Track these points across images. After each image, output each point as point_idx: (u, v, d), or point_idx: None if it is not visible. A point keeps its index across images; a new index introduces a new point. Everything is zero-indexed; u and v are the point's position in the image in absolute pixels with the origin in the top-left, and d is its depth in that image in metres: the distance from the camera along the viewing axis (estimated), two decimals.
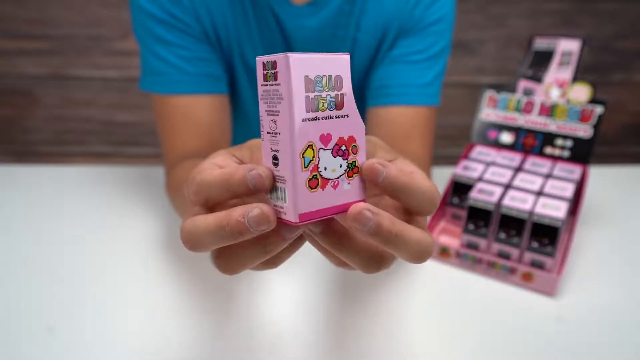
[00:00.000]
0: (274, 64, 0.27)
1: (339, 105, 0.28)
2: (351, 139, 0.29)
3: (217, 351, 0.51)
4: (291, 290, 0.58)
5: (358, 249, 0.29)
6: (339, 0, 0.66)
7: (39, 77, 1.62)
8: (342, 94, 0.28)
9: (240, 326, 0.54)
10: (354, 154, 0.29)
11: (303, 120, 0.27)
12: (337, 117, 0.28)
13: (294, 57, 0.26)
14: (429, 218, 0.67)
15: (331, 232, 0.28)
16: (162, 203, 0.74)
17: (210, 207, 0.30)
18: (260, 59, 0.27)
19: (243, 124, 0.79)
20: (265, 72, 0.27)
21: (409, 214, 0.31)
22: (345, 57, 0.28)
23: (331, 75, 0.28)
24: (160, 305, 0.56)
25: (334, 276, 0.61)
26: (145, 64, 0.68)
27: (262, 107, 0.28)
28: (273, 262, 0.31)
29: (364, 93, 0.74)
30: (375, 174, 0.28)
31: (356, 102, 0.86)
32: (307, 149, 0.27)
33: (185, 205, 0.50)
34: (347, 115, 0.29)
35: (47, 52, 1.58)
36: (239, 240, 0.27)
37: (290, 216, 0.27)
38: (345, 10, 0.66)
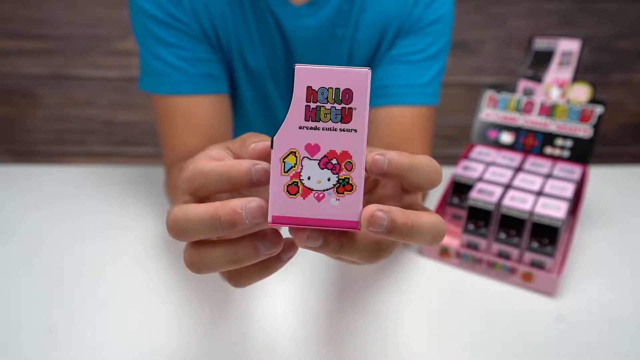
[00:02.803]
0: None
1: (346, 119, 0.28)
2: (345, 154, 0.28)
3: (216, 351, 0.51)
4: (290, 289, 0.58)
5: (357, 252, 0.29)
6: (337, 0, 0.65)
7: (39, 77, 1.62)
8: (350, 108, 0.28)
9: (239, 326, 0.54)
10: (348, 171, 0.28)
11: (300, 128, 0.27)
12: (342, 130, 0.28)
13: (299, 67, 0.27)
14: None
15: (328, 245, 0.29)
16: (162, 203, 0.74)
17: (201, 198, 0.30)
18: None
19: (243, 124, 0.79)
20: None
21: (407, 202, 0.32)
22: (363, 71, 0.27)
23: (339, 88, 0.28)
24: (159, 305, 0.56)
25: (332, 276, 0.61)
26: (144, 64, 0.68)
27: None
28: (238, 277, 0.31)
29: None
30: (378, 164, 0.28)
31: None
32: (289, 154, 0.28)
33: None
34: (355, 130, 0.28)
35: (47, 52, 1.58)
36: (227, 233, 0.27)
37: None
38: (344, 10, 0.66)
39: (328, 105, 0.28)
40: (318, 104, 0.27)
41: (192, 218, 0.27)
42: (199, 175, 0.28)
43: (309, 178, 0.28)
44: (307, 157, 0.28)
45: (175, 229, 0.28)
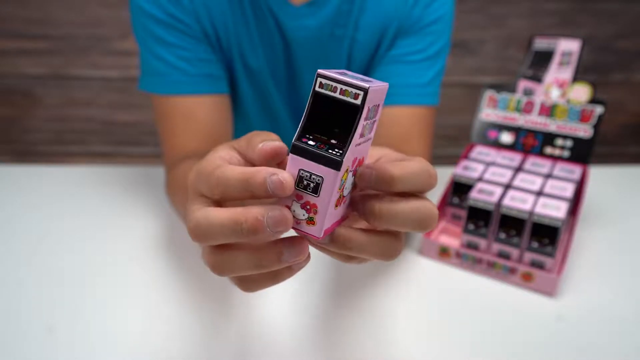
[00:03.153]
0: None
1: (371, 130, 0.29)
2: (362, 160, 0.30)
3: (216, 350, 0.51)
4: (290, 289, 0.58)
5: (364, 245, 0.30)
6: (337, 0, 0.65)
7: (39, 77, 1.62)
8: (375, 120, 0.29)
9: (238, 325, 0.54)
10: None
11: (356, 145, 0.28)
12: (366, 140, 0.29)
13: (372, 88, 0.27)
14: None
15: (336, 240, 0.29)
16: (162, 203, 0.74)
17: (218, 201, 0.30)
18: None
19: (243, 124, 0.79)
20: None
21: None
22: (386, 87, 0.29)
23: (376, 104, 0.28)
24: (159, 305, 0.56)
25: (332, 276, 0.61)
26: (144, 64, 0.68)
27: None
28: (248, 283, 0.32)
29: None
30: (365, 179, 0.29)
31: None
32: (345, 172, 0.28)
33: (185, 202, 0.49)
34: (371, 138, 0.30)
35: (47, 52, 1.58)
36: (249, 240, 0.27)
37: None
38: (344, 10, 0.66)
39: (369, 121, 0.28)
40: (367, 121, 0.28)
41: (215, 223, 0.27)
42: (222, 182, 0.28)
43: (346, 188, 0.29)
44: (350, 170, 0.28)
45: (197, 233, 0.28)
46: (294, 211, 0.28)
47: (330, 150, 0.27)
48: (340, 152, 0.26)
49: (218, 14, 0.66)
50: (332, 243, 0.29)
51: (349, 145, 0.26)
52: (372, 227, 0.31)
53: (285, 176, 0.26)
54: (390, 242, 0.30)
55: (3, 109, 1.67)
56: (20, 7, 1.52)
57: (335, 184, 0.27)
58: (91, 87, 1.64)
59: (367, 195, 0.29)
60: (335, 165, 0.26)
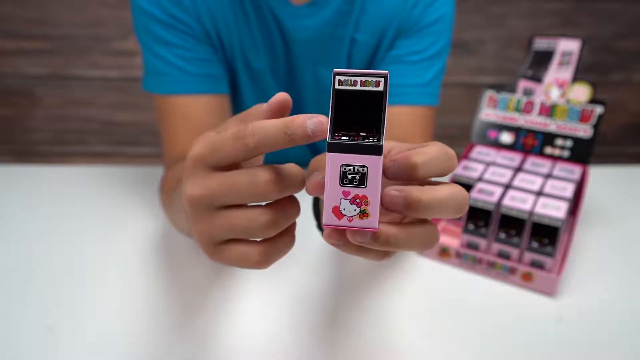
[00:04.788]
0: None
1: None
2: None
3: (216, 349, 0.51)
4: (289, 289, 0.58)
5: (408, 238, 0.30)
6: (338, 0, 0.66)
7: (39, 77, 1.62)
8: None
9: (240, 324, 0.54)
10: None
11: None
12: None
13: None
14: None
15: (379, 237, 0.29)
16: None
17: (222, 168, 0.30)
18: None
19: None
20: None
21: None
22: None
23: None
24: (160, 304, 0.56)
25: (332, 276, 0.61)
26: (146, 64, 0.68)
27: None
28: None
29: None
30: (390, 170, 0.29)
31: None
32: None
33: (178, 206, 0.49)
34: None
35: (47, 52, 1.58)
36: (293, 142, 0.28)
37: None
38: (344, 10, 0.66)
39: None
40: None
41: (269, 126, 0.28)
42: (261, 129, 0.28)
43: None
44: None
45: (253, 135, 0.28)
46: (343, 209, 0.28)
47: (365, 140, 0.27)
48: (377, 137, 0.27)
49: (219, 14, 0.66)
50: (376, 241, 0.29)
51: (383, 129, 0.27)
52: (400, 218, 0.31)
53: (322, 118, 0.28)
54: (429, 231, 0.30)
55: (3, 109, 1.67)
56: (20, 7, 1.53)
57: (379, 170, 0.27)
58: (91, 87, 1.64)
59: (398, 187, 0.29)
60: (377, 150, 0.27)
